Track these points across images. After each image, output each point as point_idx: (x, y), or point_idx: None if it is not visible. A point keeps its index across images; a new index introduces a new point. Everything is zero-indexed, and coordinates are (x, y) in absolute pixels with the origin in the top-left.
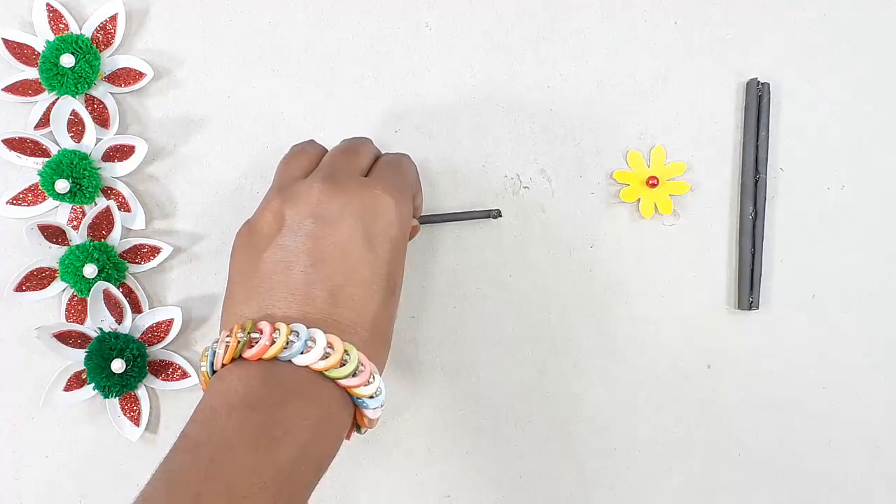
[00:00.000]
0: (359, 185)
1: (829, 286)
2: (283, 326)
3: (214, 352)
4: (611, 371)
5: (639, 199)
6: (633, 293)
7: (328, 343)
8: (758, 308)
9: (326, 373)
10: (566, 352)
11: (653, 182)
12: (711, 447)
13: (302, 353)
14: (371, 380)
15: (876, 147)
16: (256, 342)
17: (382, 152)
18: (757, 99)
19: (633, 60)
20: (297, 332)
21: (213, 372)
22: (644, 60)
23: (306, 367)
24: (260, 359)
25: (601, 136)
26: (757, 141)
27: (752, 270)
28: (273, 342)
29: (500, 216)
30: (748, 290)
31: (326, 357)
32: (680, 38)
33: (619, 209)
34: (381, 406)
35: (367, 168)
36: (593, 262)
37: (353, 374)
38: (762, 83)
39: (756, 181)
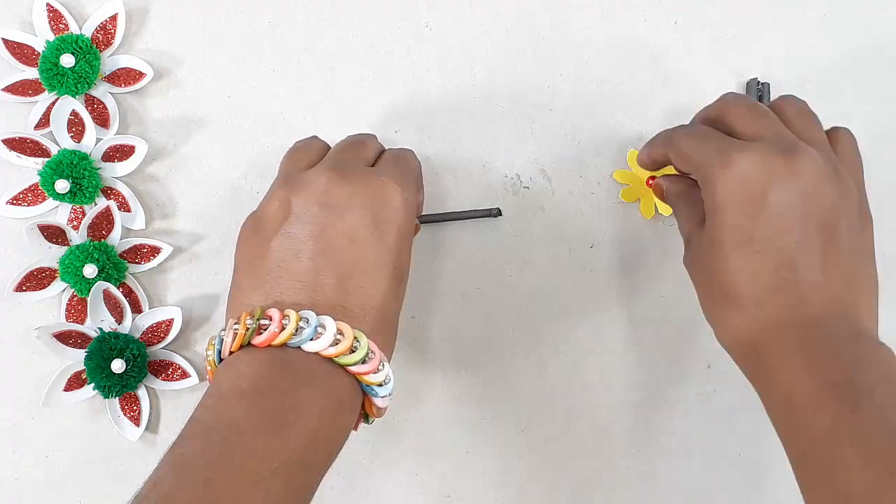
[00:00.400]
0: (365, 173)
1: None
2: (292, 313)
3: (222, 340)
4: (611, 371)
5: (639, 199)
6: (633, 293)
7: (338, 330)
8: None
9: (336, 359)
10: (566, 352)
11: (653, 182)
12: (711, 447)
13: (312, 339)
14: (381, 367)
15: (876, 147)
16: (265, 329)
17: (386, 148)
18: (757, 99)
19: (633, 60)
20: (306, 318)
21: (220, 360)
22: (644, 60)
23: (316, 353)
24: (269, 346)
25: (601, 136)
26: None
27: None
28: (283, 329)
29: (500, 215)
30: None
31: (336, 344)
32: (680, 38)
33: (619, 209)
34: (390, 394)
35: (372, 161)
36: (593, 262)
37: (363, 361)
38: (762, 83)
39: None
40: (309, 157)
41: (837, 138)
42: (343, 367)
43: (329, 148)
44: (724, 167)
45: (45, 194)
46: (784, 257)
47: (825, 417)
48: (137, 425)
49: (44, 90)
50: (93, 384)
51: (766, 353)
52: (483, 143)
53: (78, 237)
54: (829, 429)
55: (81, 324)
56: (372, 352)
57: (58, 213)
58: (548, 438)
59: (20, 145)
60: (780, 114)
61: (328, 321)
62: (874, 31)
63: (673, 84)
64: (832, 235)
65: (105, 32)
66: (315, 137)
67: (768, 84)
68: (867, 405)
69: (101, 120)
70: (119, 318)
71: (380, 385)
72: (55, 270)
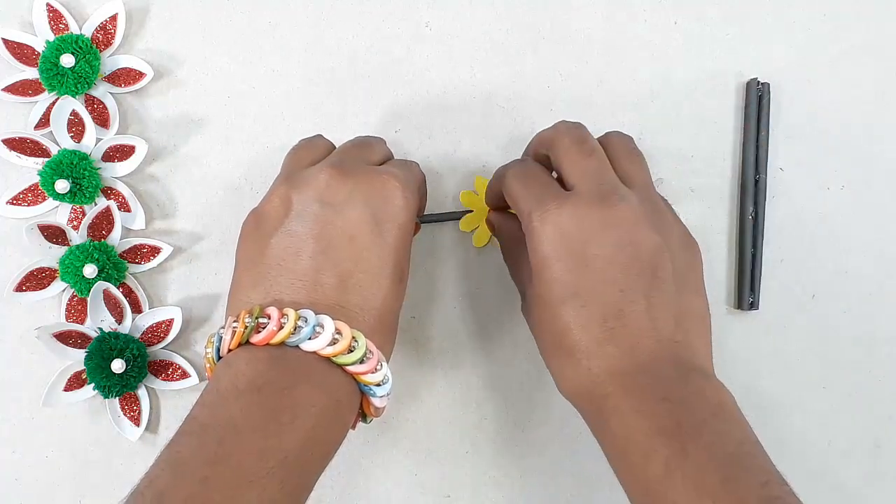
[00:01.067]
0: (367, 171)
1: (829, 286)
2: (291, 312)
3: (221, 337)
4: None
5: (477, 228)
6: None
7: (336, 329)
8: (758, 308)
9: (334, 359)
10: None
11: (489, 217)
12: None
13: (310, 338)
14: (379, 367)
15: (876, 147)
16: (264, 327)
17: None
18: (757, 99)
19: (633, 60)
20: (305, 317)
21: (219, 358)
22: (644, 60)
23: (314, 352)
24: (267, 344)
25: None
26: (757, 141)
27: (752, 270)
28: (281, 327)
29: None
30: (748, 290)
31: (334, 343)
32: (680, 38)
33: None
34: (388, 394)
35: (377, 163)
36: None
37: (361, 361)
38: (762, 83)
39: (756, 181)
40: (312, 154)
41: (614, 150)
42: (341, 366)
43: (334, 147)
44: (543, 223)
45: (45, 194)
46: (610, 308)
47: (657, 464)
48: (137, 425)
49: (44, 90)
50: (93, 384)
51: (602, 405)
52: (483, 143)
53: (78, 237)
54: (661, 476)
55: (81, 324)
56: (370, 351)
57: (58, 213)
58: (548, 438)
59: (20, 145)
60: (606, 149)
61: (326, 320)
62: (874, 30)
63: (673, 84)
64: (656, 278)
65: (105, 32)
66: (319, 136)
67: (768, 84)
68: (695, 445)
69: (101, 120)
70: (119, 318)
71: (378, 385)
72: (55, 270)
